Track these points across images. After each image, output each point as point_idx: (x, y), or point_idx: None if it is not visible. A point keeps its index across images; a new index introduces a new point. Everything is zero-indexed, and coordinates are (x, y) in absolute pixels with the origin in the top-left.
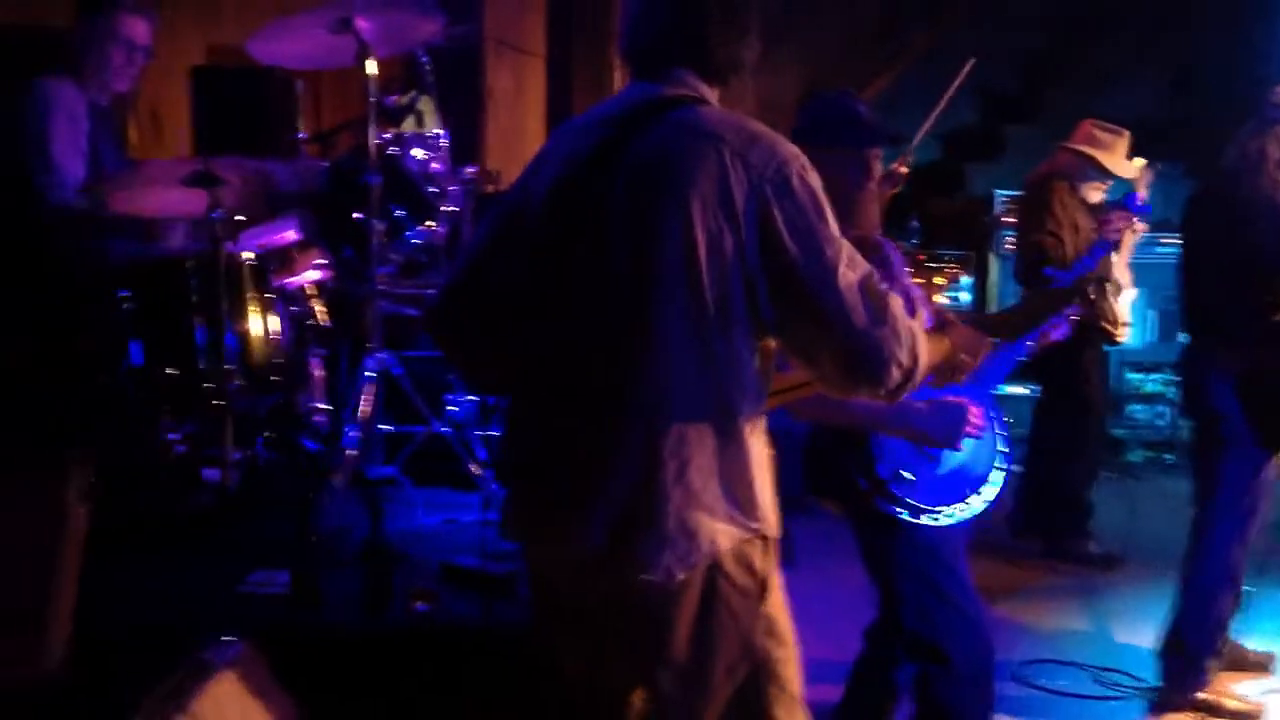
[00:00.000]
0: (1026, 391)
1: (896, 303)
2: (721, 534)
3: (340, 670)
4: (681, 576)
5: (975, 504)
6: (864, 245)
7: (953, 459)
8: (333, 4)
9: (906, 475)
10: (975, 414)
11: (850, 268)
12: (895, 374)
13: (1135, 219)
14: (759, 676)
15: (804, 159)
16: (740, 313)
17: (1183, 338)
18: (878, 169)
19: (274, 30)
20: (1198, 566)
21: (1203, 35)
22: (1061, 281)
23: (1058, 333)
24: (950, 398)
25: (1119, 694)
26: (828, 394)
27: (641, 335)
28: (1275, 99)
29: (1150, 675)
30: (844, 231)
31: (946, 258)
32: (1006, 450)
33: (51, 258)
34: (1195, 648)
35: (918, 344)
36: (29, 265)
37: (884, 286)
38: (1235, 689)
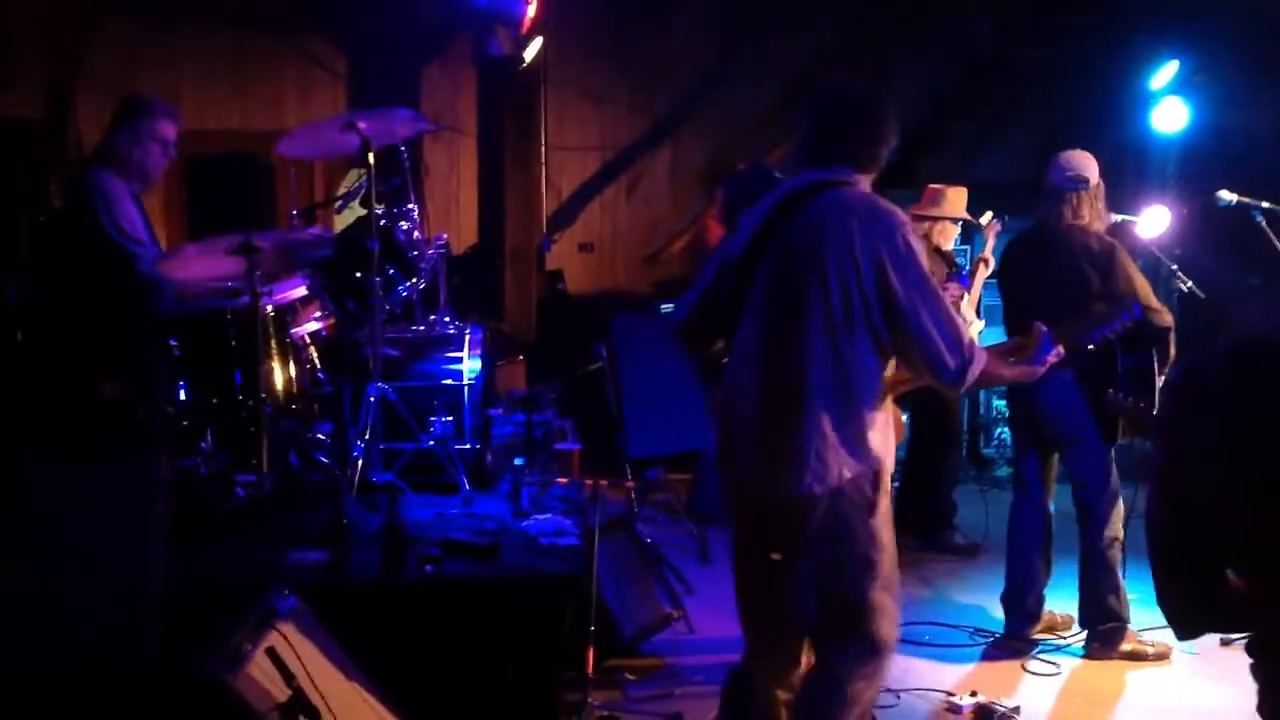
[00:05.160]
0: (904, 417)
1: (968, 330)
2: (845, 468)
3: (369, 616)
4: (817, 491)
5: None
6: None
7: None
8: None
9: None
10: None
11: (937, 302)
12: (951, 376)
13: (964, 290)
14: (862, 565)
15: (909, 226)
16: (861, 326)
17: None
18: None
19: (297, 133)
20: (1099, 543)
21: (1062, 106)
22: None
23: None
24: None
25: (971, 643)
26: (918, 383)
27: (796, 339)
28: (1063, 170)
29: (998, 628)
30: None
31: None
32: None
33: (137, 316)
34: (1117, 609)
35: (976, 358)
36: (116, 319)
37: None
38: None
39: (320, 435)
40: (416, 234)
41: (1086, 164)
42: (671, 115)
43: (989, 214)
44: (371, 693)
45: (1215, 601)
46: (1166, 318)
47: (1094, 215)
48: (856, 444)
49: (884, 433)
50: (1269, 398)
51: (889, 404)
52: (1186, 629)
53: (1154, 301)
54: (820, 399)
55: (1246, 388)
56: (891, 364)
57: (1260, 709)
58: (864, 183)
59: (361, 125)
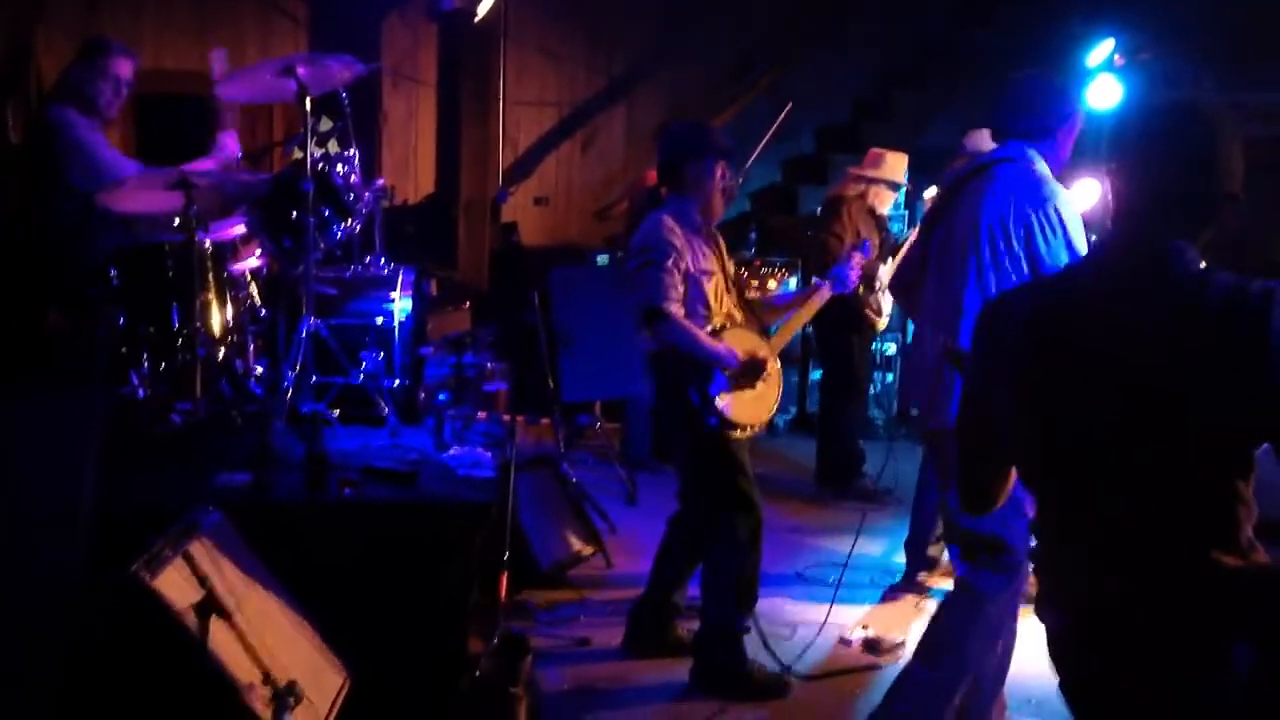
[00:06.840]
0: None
1: None
2: None
3: (289, 534)
4: None
5: (761, 427)
6: (714, 236)
7: (751, 394)
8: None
9: (725, 397)
10: (772, 367)
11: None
12: None
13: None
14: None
15: (1059, 198)
16: (1008, 275)
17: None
18: (719, 174)
19: (236, 75)
20: (924, 493)
21: (1002, 81)
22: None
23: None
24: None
25: (871, 585)
26: None
27: (954, 295)
28: (969, 147)
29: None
30: (704, 221)
31: (778, 263)
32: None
33: (85, 248)
34: (925, 546)
35: None
36: (66, 252)
37: None
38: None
39: (257, 368)
40: (354, 178)
41: (974, 138)
42: (627, 75)
43: (934, 188)
44: (289, 603)
45: (1001, 497)
46: None
47: None
48: None
49: None
50: (1051, 337)
51: None
52: (979, 511)
53: None
54: None
55: (1035, 324)
56: None
57: (1036, 610)
58: (1036, 156)
59: (300, 70)
